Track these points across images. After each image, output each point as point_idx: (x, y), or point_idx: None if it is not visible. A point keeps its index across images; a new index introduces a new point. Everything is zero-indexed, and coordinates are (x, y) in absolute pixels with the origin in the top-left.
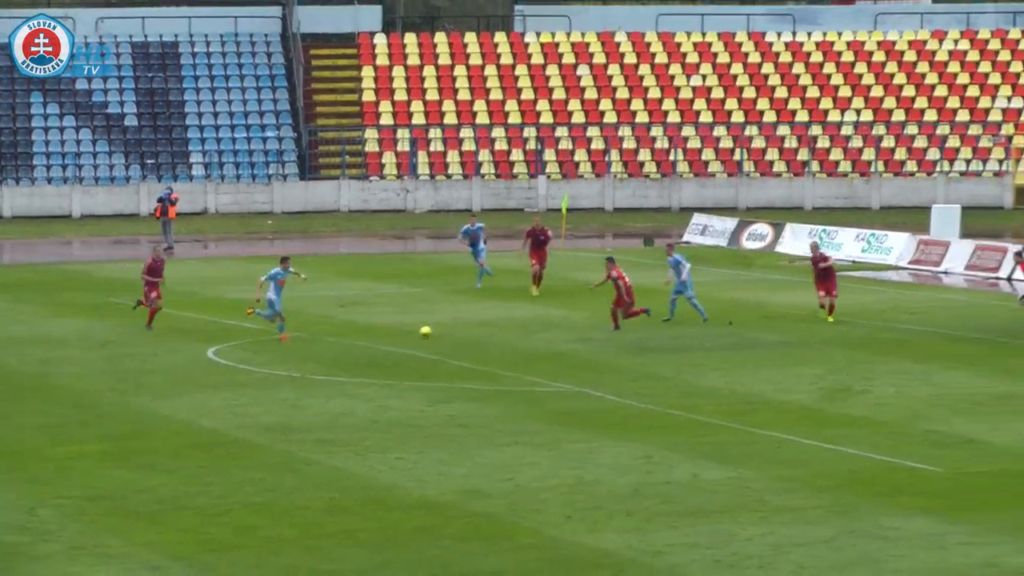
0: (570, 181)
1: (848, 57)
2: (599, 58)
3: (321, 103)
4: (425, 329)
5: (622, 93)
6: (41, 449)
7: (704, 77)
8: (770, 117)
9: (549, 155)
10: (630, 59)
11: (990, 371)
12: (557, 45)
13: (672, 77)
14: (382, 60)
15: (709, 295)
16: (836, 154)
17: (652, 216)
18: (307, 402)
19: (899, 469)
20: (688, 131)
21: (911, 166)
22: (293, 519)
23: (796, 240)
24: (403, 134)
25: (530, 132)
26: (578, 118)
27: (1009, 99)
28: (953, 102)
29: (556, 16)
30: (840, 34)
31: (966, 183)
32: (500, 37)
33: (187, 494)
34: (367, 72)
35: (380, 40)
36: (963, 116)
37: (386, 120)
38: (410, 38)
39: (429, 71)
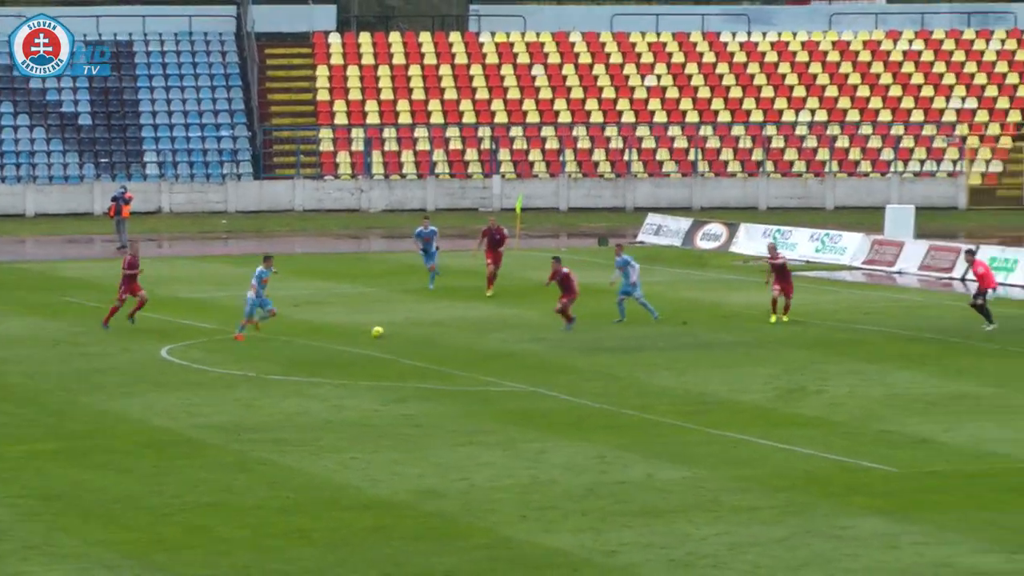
0: (524, 181)
1: (803, 57)
2: (554, 58)
3: (275, 102)
4: (377, 330)
5: (576, 93)
6: None
7: (659, 77)
8: (724, 117)
9: (503, 155)
10: (585, 59)
11: (944, 371)
12: (512, 45)
13: (627, 77)
14: (336, 59)
15: (664, 295)
16: (790, 154)
17: (606, 216)
18: (261, 402)
19: (853, 469)
20: (643, 131)
21: (865, 166)
22: (246, 519)
23: (750, 240)
24: (357, 133)
25: (484, 132)
26: (533, 118)
27: (963, 99)
28: (907, 102)
29: (511, 16)
30: (795, 34)
31: (920, 183)
32: (455, 37)
33: (140, 493)
34: (321, 71)
35: (335, 39)
36: (917, 116)
37: (340, 119)
38: (365, 37)
39: (384, 71)
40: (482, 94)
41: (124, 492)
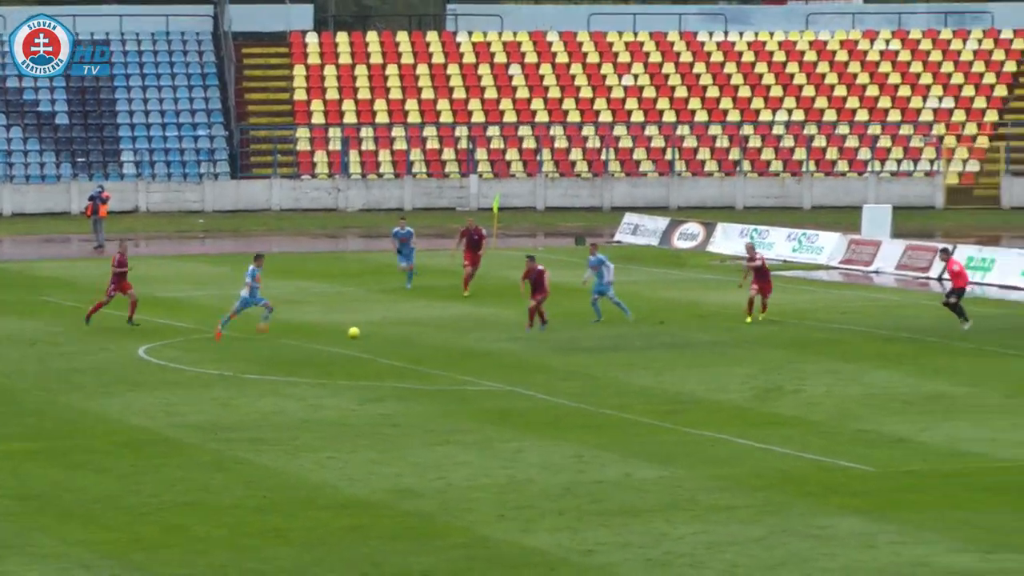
0: (502, 180)
1: (780, 57)
2: (531, 57)
3: (253, 102)
4: (353, 331)
5: (554, 92)
6: None
7: (636, 76)
8: (702, 117)
9: (481, 154)
10: (562, 58)
11: (920, 371)
12: (489, 44)
13: (604, 76)
14: (314, 59)
15: (641, 294)
16: (768, 154)
17: (584, 215)
18: (238, 401)
19: (830, 468)
20: (620, 130)
21: (842, 166)
22: (223, 518)
23: (728, 240)
24: (335, 133)
25: (462, 131)
26: (510, 117)
27: (940, 99)
28: (884, 102)
29: (488, 15)
30: (772, 34)
31: (897, 183)
32: (432, 36)
33: (118, 493)
34: (299, 71)
35: (312, 39)
36: (894, 116)
37: (318, 119)
38: (342, 37)
39: (361, 70)
40: (459, 93)
41: (102, 492)
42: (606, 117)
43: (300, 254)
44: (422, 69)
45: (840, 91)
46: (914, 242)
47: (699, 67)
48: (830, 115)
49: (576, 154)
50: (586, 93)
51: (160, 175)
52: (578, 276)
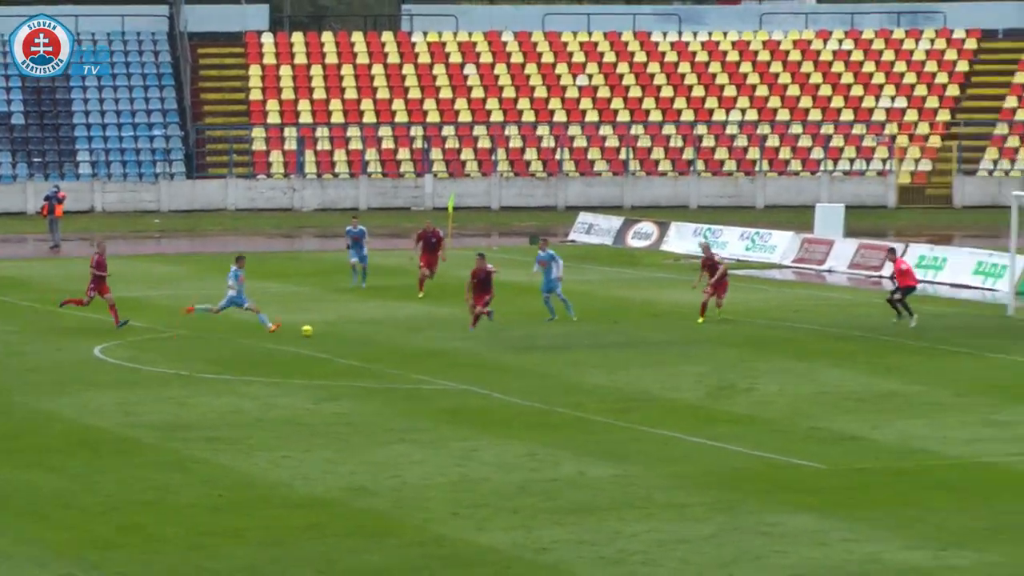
0: (457, 180)
1: (733, 57)
2: (486, 57)
3: (208, 102)
4: (306, 328)
5: (509, 92)
6: None
7: (590, 76)
8: (656, 116)
9: (436, 154)
10: (517, 58)
11: (872, 369)
12: (444, 44)
13: (558, 76)
14: (269, 59)
15: (595, 293)
16: (721, 153)
17: (538, 215)
18: (194, 400)
19: (783, 466)
20: (574, 130)
21: (796, 165)
22: (179, 517)
23: (681, 239)
24: (290, 133)
25: (417, 131)
26: (465, 117)
27: (892, 99)
28: (837, 101)
29: (443, 16)
30: (725, 34)
31: (850, 182)
32: (387, 36)
33: (73, 492)
34: (254, 71)
35: (267, 39)
36: (847, 116)
37: (273, 119)
38: (297, 37)
39: (316, 70)
40: (414, 93)
41: (57, 491)
42: (560, 117)
43: (255, 253)
44: (377, 69)
45: (793, 91)
46: (867, 241)
47: (653, 67)
48: (783, 115)
49: (531, 154)
50: (541, 93)
51: (116, 175)
52: (533, 275)
